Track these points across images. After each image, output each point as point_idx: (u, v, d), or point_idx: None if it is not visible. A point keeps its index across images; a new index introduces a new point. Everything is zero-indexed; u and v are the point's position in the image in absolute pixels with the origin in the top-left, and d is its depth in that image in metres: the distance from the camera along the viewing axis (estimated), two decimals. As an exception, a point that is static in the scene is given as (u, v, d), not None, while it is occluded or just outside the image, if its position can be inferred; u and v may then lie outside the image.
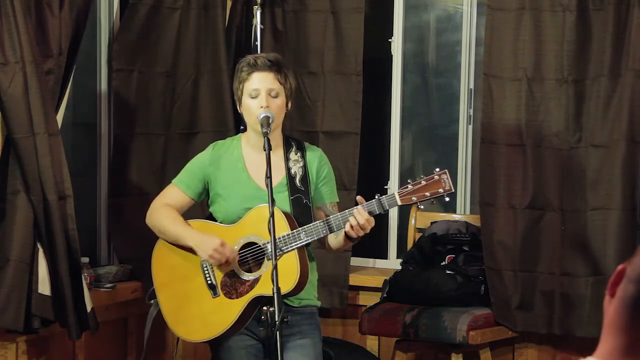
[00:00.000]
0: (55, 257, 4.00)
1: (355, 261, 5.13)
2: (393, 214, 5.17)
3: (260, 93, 3.47)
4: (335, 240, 3.53)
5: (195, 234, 3.52)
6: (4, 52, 3.86)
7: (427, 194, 3.37)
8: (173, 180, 3.67)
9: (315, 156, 3.61)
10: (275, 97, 3.48)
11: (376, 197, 3.37)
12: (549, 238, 4.53)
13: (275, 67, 3.50)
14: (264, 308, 3.38)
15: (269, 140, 3.36)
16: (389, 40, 5.16)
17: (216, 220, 3.59)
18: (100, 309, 4.32)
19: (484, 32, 4.67)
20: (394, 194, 3.38)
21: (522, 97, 4.53)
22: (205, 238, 3.49)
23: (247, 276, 3.48)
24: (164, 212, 3.59)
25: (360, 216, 3.33)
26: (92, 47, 4.76)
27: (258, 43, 4.81)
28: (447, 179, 3.37)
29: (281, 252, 3.36)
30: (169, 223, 3.57)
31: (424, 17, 5.38)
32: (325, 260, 4.73)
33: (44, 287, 4.01)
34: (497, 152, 4.58)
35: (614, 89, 4.39)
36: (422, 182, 3.37)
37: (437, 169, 3.39)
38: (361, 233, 3.36)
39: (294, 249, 3.41)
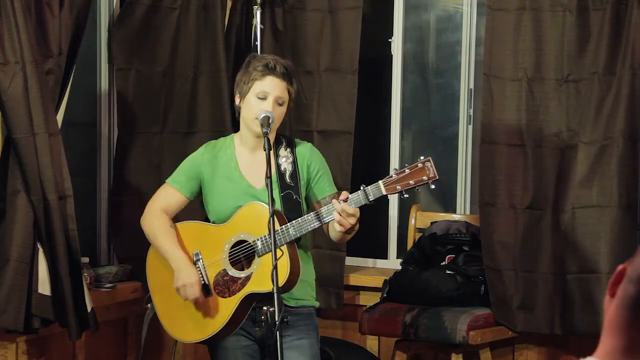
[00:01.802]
0: (55, 257, 4.01)
1: (355, 261, 5.13)
2: (393, 214, 5.17)
3: (268, 97, 3.47)
4: (333, 232, 3.51)
5: (178, 260, 3.53)
6: (4, 52, 3.86)
7: (412, 182, 3.35)
8: (167, 180, 3.68)
9: (305, 151, 3.61)
10: (281, 105, 3.50)
11: (361, 187, 3.36)
12: (549, 238, 4.53)
13: (288, 76, 3.52)
14: (264, 308, 3.38)
15: (269, 140, 3.37)
16: (389, 40, 5.16)
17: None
18: (100, 309, 4.32)
19: (484, 32, 4.67)
20: (378, 183, 3.36)
21: (522, 97, 4.53)
22: (184, 270, 3.51)
23: (239, 274, 3.49)
24: (156, 220, 3.60)
25: (341, 210, 3.33)
26: (92, 47, 4.76)
27: (258, 43, 4.81)
28: (431, 166, 3.35)
29: (279, 247, 3.35)
30: (159, 235, 3.59)
31: (424, 17, 5.38)
32: (321, 261, 4.73)
33: (44, 287, 4.01)
34: (497, 152, 4.57)
35: (613, 88, 4.39)
36: (406, 170, 3.36)
37: (422, 157, 3.37)
38: (348, 225, 3.35)
39: (283, 245, 3.41)
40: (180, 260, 3.53)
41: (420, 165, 3.36)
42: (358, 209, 3.35)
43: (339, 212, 3.32)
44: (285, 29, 4.99)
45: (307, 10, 4.97)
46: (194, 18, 4.84)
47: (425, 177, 3.35)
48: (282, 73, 3.50)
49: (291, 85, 3.52)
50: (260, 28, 4.83)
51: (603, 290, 4.34)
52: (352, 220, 3.34)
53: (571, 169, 4.48)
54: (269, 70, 3.49)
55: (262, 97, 3.47)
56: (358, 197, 3.35)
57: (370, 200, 3.35)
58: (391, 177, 3.36)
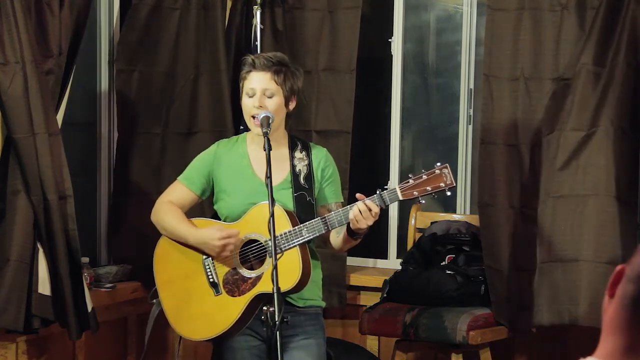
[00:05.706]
0: (55, 257, 4.00)
1: (355, 261, 5.13)
2: (393, 214, 5.17)
3: (255, 92, 3.49)
4: (337, 238, 3.53)
5: (196, 232, 3.53)
6: (4, 52, 3.86)
7: (429, 188, 3.37)
8: (178, 177, 3.69)
9: (321, 156, 3.63)
10: (271, 97, 3.50)
11: (377, 191, 3.37)
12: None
13: (274, 67, 3.52)
14: (264, 308, 3.38)
15: (269, 140, 3.37)
16: (389, 40, 5.16)
17: (220, 219, 3.60)
18: (100, 309, 4.32)
19: (484, 32, 4.67)
20: (395, 188, 3.38)
21: (521, 97, 4.53)
22: (205, 234, 3.49)
23: (249, 274, 3.49)
24: (167, 209, 3.60)
25: (364, 209, 3.32)
26: (92, 47, 4.76)
27: (258, 43, 4.81)
28: (449, 173, 3.38)
29: (281, 250, 3.37)
30: (172, 221, 3.58)
31: (424, 17, 5.38)
32: (324, 261, 4.71)
33: (44, 287, 4.01)
34: (496, 152, 4.57)
35: (610, 83, 4.36)
36: (424, 176, 3.37)
37: (438, 164, 3.39)
38: (365, 226, 3.35)
39: (295, 246, 3.41)
40: (199, 234, 3.52)
41: (437, 171, 3.38)
42: (378, 210, 3.35)
43: (361, 210, 3.31)
44: (285, 28, 4.99)
45: (306, 10, 4.97)
46: (195, 18, 4.84)
47: (442, 184, 3.37)
48: (264, 65, 3.52)
49: (277, 74, 3.52)
50: (260, 28, 4.83)
51: (583, 278, 4.31)
52: (371, 222, 3.34)
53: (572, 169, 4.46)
54: (250, 66, 3.54)
55: (251, 95, 3.51)
56: (374, 201, 3.35)
57: (387, 204, 3.37)
58: (408, 182, 3.38)
